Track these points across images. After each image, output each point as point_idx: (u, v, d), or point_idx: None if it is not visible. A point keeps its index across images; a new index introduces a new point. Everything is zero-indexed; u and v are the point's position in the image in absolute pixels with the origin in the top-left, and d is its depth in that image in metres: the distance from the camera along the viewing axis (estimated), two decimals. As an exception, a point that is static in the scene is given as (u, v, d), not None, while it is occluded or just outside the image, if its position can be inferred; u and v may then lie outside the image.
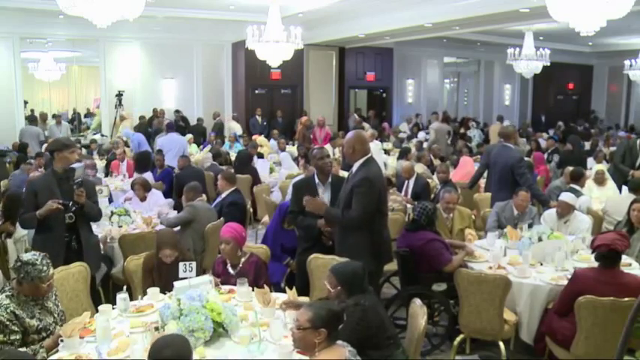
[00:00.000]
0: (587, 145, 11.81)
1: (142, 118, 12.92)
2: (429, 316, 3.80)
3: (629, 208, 4.88)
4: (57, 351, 2.82)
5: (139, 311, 3.29)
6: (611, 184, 7.11)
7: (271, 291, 3.46)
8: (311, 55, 14.67)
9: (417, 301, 3.18)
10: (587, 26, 6.18)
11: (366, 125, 13.56)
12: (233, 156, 9.84)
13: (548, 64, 13.27)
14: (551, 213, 5.36)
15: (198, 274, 3.63)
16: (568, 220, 5.20)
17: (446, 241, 4.44)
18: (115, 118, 13.23)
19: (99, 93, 13.92)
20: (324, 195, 4.39)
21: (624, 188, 6.57)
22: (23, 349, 2.82)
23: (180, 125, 12.45)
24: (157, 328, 2.92)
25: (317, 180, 4.44)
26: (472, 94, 20.44)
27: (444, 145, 11.23)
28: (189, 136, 11.29)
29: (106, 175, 8.83)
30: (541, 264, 4.34)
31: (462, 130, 15.18)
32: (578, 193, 6.01)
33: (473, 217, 5.91)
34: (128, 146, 10.55)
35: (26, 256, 2.99)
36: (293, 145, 11.78)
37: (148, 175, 7.49)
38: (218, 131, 12.60)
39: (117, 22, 5.52)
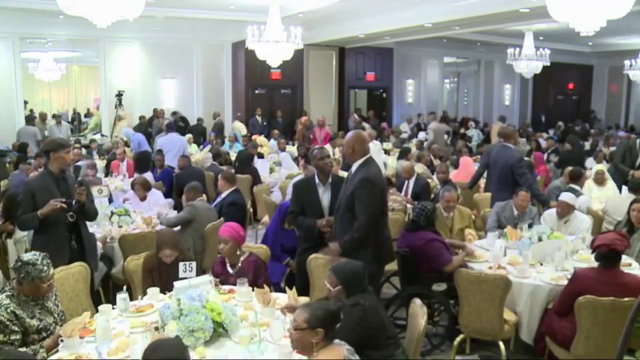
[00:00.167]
0: (587, 145, 11.81)
1: (142, 118, 12.91)
2: (429, 316, 3.80)
3: (629, 208, 4.88)
4: (57, 351, 2.82)
5: (139, 311, 3.30)
6: (611, 184, 7.11)
7: (271, 291, 3.46)
8: (311, 55, 14.66)
9: (417, 301, 3.18)
10: (587, 26, 6.19)
11: (366, 125, 13.55)
12: (233, 156, 9.85)
13: (548, 64, 13.27)
14: (551, 213, 5.35)
15: (198, 274, 3.63)
16: (568, 220, 5.20)
17: (446, 241, 4.44)
18: (115, 118, 13.24)
19: (99, 93, 13.92)
20: (324, 195, 4.40)
21: (624, 188, 6.56)
22: (23, 349, 2.82)
23: (180, 125, 12.43)
24: (157, 328, 2.93)
25: (317, 180, 4.44)
26: (472, 94, 20.43)
27: (442, 146, 11.23)
28: (189, 136, 11.29)
29: (106, 175, 8.83)
30: (541, 264, 4.34)
31: (462, 130, 15.16)
32: (577, 193, 6.02)
33: (473, 217, 5.91)
34: (128, 146, 10.55)
35: (26, 256, 2.99)
36: (293, 145, 11.77)
37: (148, 175, 7.48)
38: (218, 131, 12.60)
39: (117, 22, 5.52)
